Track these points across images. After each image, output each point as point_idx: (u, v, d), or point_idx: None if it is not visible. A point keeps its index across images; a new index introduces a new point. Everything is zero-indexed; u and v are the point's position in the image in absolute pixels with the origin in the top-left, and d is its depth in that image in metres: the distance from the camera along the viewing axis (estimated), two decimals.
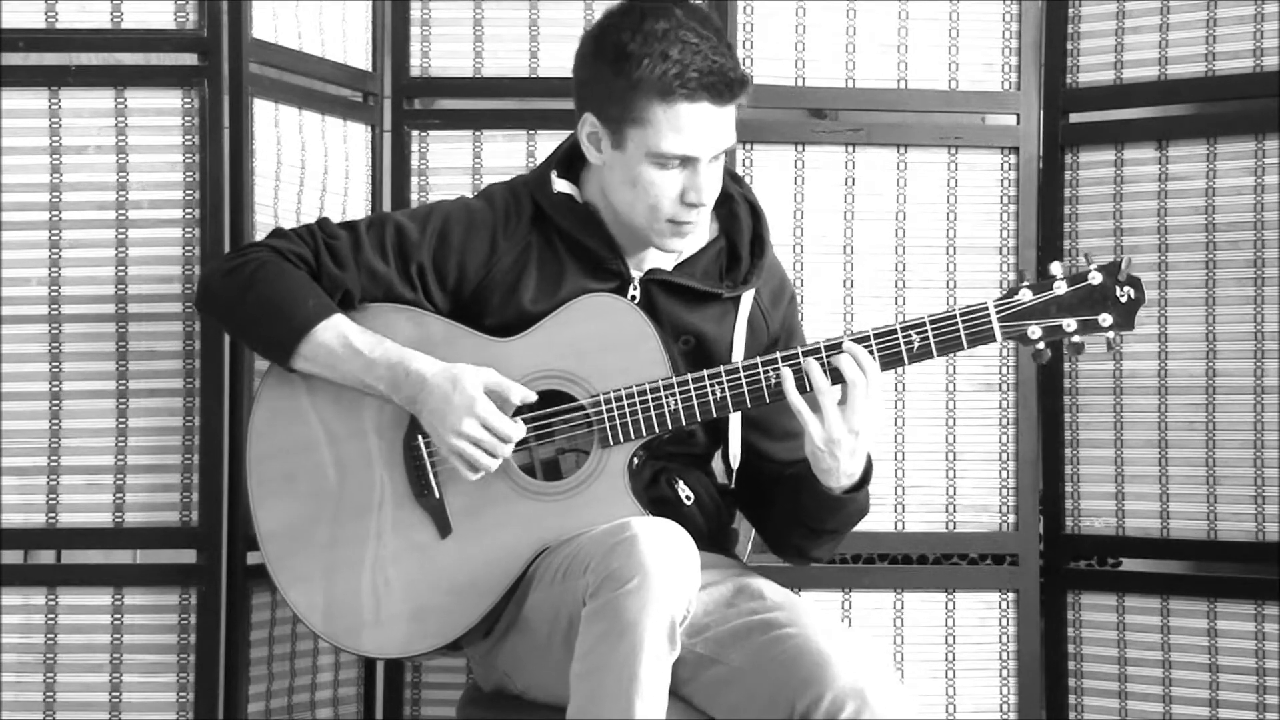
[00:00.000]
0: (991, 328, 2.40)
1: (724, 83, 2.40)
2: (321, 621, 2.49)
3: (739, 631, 2.41)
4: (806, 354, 2.41)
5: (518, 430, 2.41)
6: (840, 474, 2.41)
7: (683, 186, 2.43)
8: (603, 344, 2.45)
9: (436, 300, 2.53)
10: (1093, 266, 2.39)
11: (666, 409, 2.43)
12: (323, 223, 2.54)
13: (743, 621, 2.41)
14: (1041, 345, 2.40)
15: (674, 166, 2.42)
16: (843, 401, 2.38)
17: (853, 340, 2.40)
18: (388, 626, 2.47)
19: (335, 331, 2.46)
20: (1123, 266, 2.37)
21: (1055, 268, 2.39)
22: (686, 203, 2.43)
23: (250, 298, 2.46)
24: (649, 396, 2.43)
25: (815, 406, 2.39)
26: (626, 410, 2.43)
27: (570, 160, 2.57)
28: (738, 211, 2.58)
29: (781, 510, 2.55)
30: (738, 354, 2.55)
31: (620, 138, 2.43)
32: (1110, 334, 2.39)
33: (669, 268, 2.54)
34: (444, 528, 2.47)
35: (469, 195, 2.63)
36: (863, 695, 2.27)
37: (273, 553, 2.51)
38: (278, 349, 2.48)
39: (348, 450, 2.50)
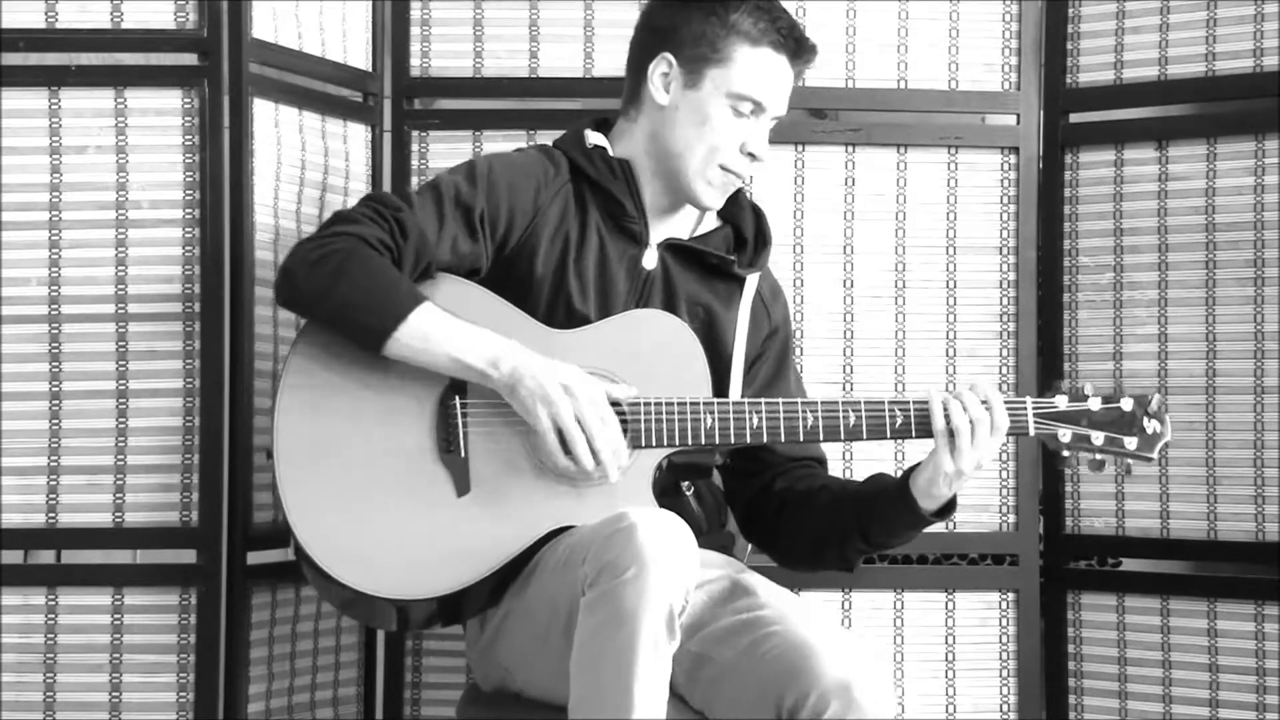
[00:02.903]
0: (1026, 422, 2.51)
1: (805, 47, 2.60)
2: (322, 552, 2.46)
3: (730, 629, 2.41)
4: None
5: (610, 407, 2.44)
6: (942, 499, 2.51)
7: (745, 137, 2.56)
8: (653, 355, 2.52)
9: (487, 251, 2.56)
10: (1126, 393, 2.53)
11: (703, 425, 2.47)
12: (383, 198, 2.54)
13: (734, 619, 2.42)
14: (1067, 454, 2.53)
15: (745, 114, 2.55)
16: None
17: (897, 407, 2.49)
18: (387, 569, 2.45)
19: (428, 316, 2.44)
20: (1153, 401, 2.54)
21: (1088, 387, 2.54)
22: (746, 153, 2.57)
23: (341, 288, 2.45)
24: (688, 409, 2.47)
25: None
26: (664, 417, 2.47)
27: (601, 127, 2.66)
28: (741, 202, 2.69)
29: (828, 525, 2.59)
30: (740, 335, 2.63)
31: (698, 77, 2.55)
32: (1130, 461, 2.53)
33: (685, 239, 2.63)
34: (463, 487, 2.47)
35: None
36: (848, 692, 2.28)
37: (285, 475, 2.48)
38: (372, 336, 2.45)
39: (379, 397, 2.49)
